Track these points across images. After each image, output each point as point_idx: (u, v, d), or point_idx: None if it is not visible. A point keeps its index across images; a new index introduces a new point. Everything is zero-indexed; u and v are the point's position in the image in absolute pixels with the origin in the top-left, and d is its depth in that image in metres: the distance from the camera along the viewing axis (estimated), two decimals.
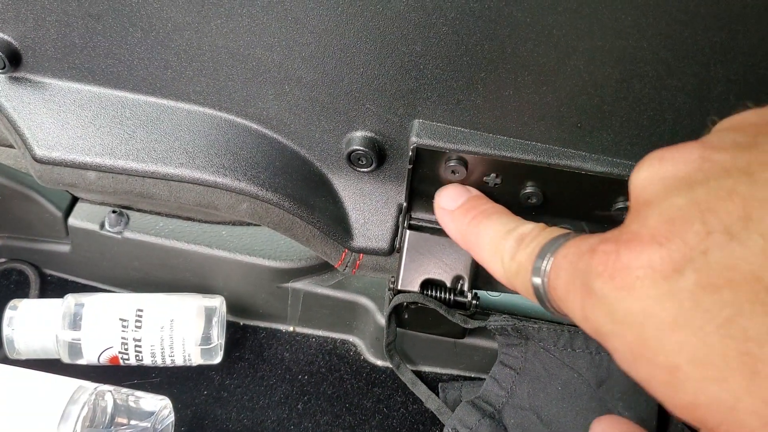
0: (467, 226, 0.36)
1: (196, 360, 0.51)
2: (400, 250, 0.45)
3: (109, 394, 0.45)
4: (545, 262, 0.27)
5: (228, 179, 0.43)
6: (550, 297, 0.26)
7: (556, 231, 0.29)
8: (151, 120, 0.44)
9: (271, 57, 0.38)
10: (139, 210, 0.55)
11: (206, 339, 0.51)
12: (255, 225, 0.54)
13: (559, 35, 0.32)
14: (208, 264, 0.53)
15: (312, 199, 0.45)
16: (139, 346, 0.49)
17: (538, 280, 0.27)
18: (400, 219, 0.45)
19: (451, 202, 0.38)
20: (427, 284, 0.45)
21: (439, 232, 0.44)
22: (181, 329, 0.50)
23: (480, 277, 0.45)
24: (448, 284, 0.44)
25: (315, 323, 0.56)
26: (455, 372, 0.54)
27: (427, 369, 0.54)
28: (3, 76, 0.44)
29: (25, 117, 0.44)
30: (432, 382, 0.52)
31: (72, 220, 0.55)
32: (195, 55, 0.40)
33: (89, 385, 0.45)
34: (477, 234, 0.34)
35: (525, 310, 0.51)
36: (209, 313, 0.51)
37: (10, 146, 0.62)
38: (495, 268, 0.32)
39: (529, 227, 0.31)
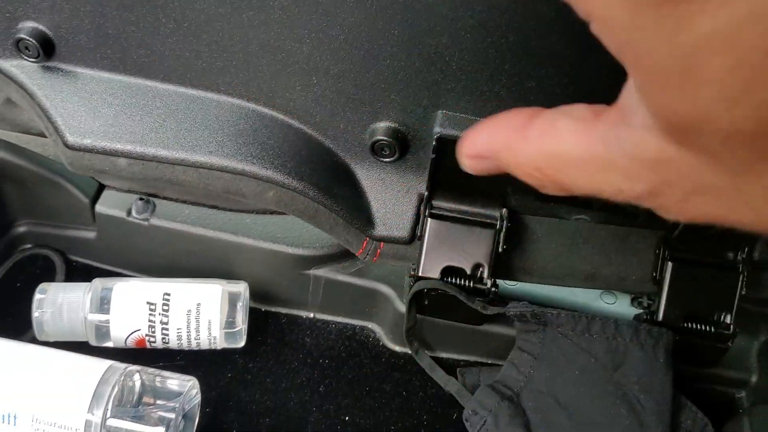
0: None
1: (221, 343, 0.52)
2: (421, 238, 0.46)
3: (138, 374, 0.47)
4: None
5: (256, 167, 0.44)
6: None
7: None
8: (181, 109, 0.45)
9: (301, 49, 0.39)
10: (164, 198, 0.56)
11: (231, 323, 0.52)
12: (278, 213, 0.55)
13: (584, 29, 0.33)
14: (232, 251, 0.54)
15: (335, 188, 0.46)
16: (166, 329, 0.51)
17: None
18: (422, 208, 0.46)
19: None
20: (448, 271, 0.46)
21: (460, 221, 0.46)
22: (206, 313, 0.51)
23: (499, 266, 0.46)
24: (468, 271, 0.46)
25: (335, 310, 0.58)
26: (473, 358, 0.55)
27: (444, 355, 0.55)
28: (36, 64, 0.45)
29: (57, 105, 0.46)
30: (450, 368, 0.53)
31: (99, 207, 0.56)
32: (226, 47, 0.41)
33: (119, 366, 0.46)
34: None
35: (541, 299, 0.52)
36: (234, 298, 0.52)
37: (39, 135, 0.64)
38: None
39: None
